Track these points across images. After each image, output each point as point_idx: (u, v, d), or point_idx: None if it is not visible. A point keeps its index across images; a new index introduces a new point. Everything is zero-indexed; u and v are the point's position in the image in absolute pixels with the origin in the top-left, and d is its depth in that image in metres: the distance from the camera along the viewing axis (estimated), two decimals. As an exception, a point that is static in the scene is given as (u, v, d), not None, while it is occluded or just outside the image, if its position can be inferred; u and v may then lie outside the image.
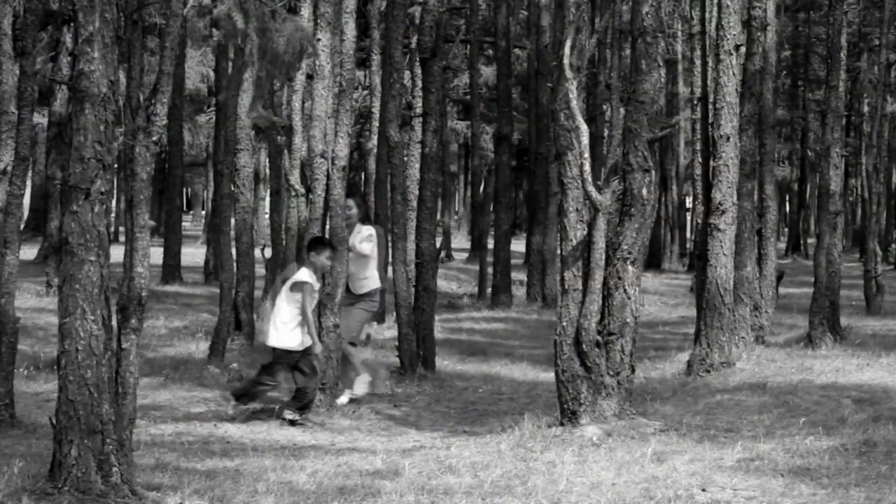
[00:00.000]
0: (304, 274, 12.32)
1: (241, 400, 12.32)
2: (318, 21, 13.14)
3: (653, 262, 42.29)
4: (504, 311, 26.15)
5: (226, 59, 25.54)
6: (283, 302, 12.29)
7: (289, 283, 12.37)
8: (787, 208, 73.14)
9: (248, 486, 8.65)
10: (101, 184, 7.88)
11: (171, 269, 31.07)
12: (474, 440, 10.90)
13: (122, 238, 40.46)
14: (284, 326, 12.17)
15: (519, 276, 30.67)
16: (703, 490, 8.70)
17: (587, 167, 10.96)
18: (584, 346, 10.96)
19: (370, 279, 14.18)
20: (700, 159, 16.38)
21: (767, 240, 19.06)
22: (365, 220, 14.18)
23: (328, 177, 13.28)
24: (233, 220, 19.19)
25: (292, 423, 12.00)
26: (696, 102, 17.13)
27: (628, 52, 11.86)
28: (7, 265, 11.26)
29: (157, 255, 29.49)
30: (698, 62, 17.21)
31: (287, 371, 12.24)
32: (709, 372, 14.59)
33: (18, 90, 11.51)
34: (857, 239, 55.99)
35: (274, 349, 12.30)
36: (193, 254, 39.85)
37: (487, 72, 47.79)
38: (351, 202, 13.79)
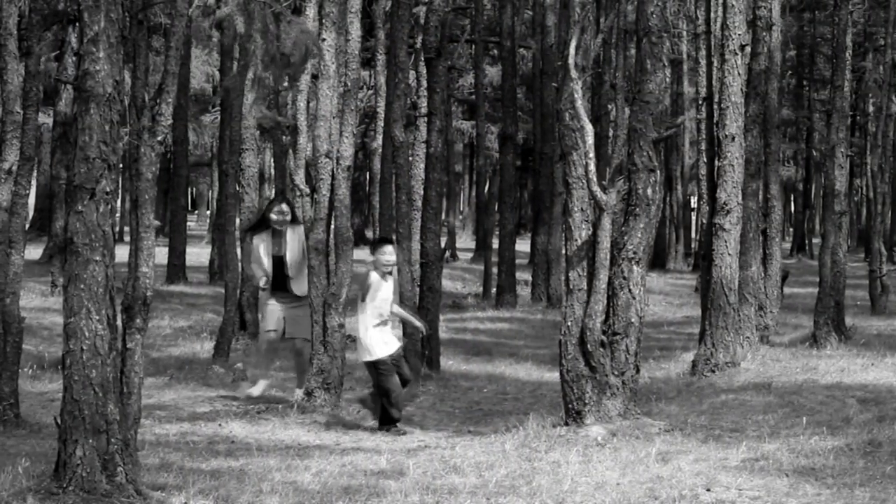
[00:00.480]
0: (369, 275, 12.08)
1: (385, 423, 11.92)
2: (323, 21, 13.15)
3: (658, 261, 42.26)
4: (509, 311, 26.15)
5: (231, 59, 25.55)
6: (359, 314, 12.08)
7: (360, 294, 12.13)
8: (792, 208, 73.12)
9: (253, 486, 8.66)
10: (106, 183, 7.89)
11: (176, 268, 31.08)
12: (479, 440, 10.90)
13: (126, 238, 40.48)
14: (368, 337, 11.92)
15: (524, 275, 30.66)
16: (708, 490, 8.70)
17: (592, 167, 10.96)
18: (588, 345, 10.95)
19: None
20: (705, 159, 16.39)
21: (772, 240, 19.05)
22: (293, 220, 13.95)
23: (333, 176, 13.28)
24: (238, 220, 19.21)
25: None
26: (701, 102, 17.16)
27: (633, 51, 11.85)
28: (12, 265, 11.27)
29: (161, 254, 29.52)
30: (703, 62, 17.24)
31: (393, 373, 11.89)
32: (713, 372, 14.59)
33: (23, 90, 11.53)
34: (862, 239, 55.98)
35: (368, 364, 12.06)
36: (198, 254, 39.87)
37: (492, 72, 47.81)
38: (287, 207, 13.82)
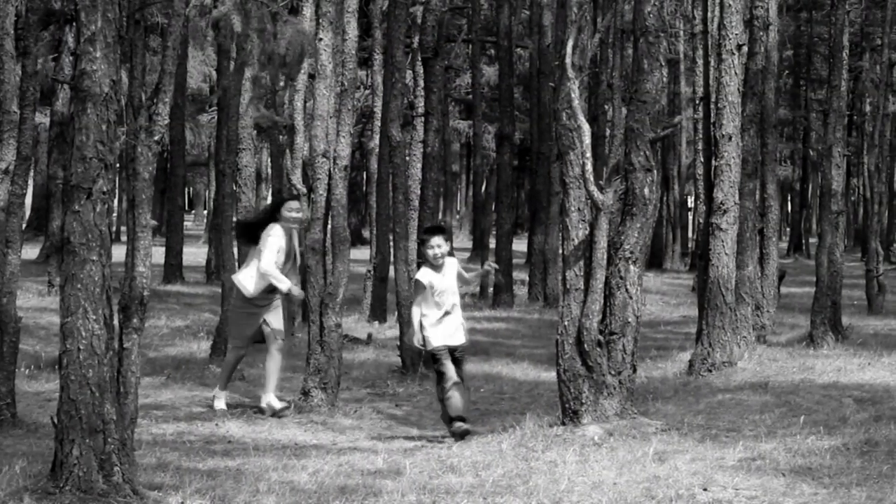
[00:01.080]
0: (418, 273, 11.77)
1: (456, 422, 11.36)
2: (320, 21, 13.14)
3: (655, 261, 42.31)
4: (506, 311, 26.15)
5: (228, 58, 25.55)
6: (418, 307, 11.76)
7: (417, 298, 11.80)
8: (789, 208, 73.13)
9: (250, 486, 8.65)
10: (103, 183, 7.88)
11: (173, 268, 31.12)
12: (476, 439, 10.89)
13: (123, 238, 40.47)
14: (421, 329, 11.61)
15: (521, 275, 30.67)
16: (705, 489, 8.69)
17: (589, 167, 10.96)
18: (585, 345, 10.95)
19: None
20: (702, 159, 16.39)
21: (769, 239, 19.06)
22: None
23: (330, 176, 13.27)
24: (235, 220, 19.21)
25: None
26: (698, 102, 17.15)
27: (630, 51, 11.85)
28: (9, 264, 11.27)
29: (158, 254, 29.55)
30: (700, 62, 17.22)
31: (449, 360, 11.52)
32: (710, 371, 14.59)
33: (20, 89, 11.52)
34: (858, 238, 56.00)
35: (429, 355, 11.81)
36: (195, 253, 39.92)
37: (489, 71, 47.82)
38: (300, 204, 13.24)
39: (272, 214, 13.22)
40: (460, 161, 70.20)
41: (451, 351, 11.63)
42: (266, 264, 12.88)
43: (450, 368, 11.50)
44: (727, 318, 14.83)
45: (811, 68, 54.67)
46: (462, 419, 11.34)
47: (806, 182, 61.29)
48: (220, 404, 13.03)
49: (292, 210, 13.13)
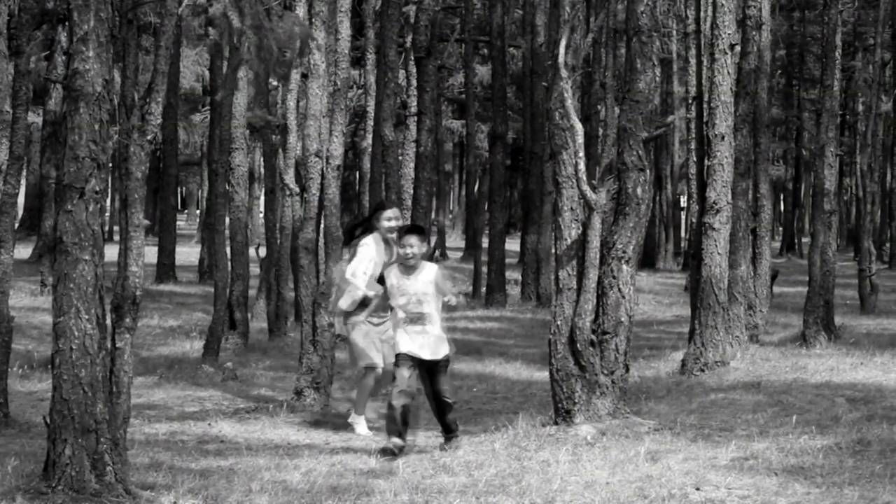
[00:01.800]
0: (388, 266, 11.08)
1: (451, 434, 10.82)
2: (313, 20, 13.14)
3: (647, 261, 42.34)
4: (498, 310, 26.14)
5: (221, 58, 25.53)
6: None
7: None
8: (782, 207, 73.22)
9: (242, 486, 8.65)
10: (96, 183, 7.87)
11: (166, 268, 31.11)
12: (469, 439, 10.88)
13: (116, 237, 40.45)
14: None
15: (513, 275, 30.68)
16: (698, 489, 8.70)
17: (582, 166, 10.96)
18: (578, 345, 10.95)
19: None
20: (695, 158, 16.40)
21: (762, 239, 19.07)
22: None
23: (323, 176, 13.26)
24: (227, 220, 19.21)
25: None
26: (690, 101, 17.17)
27: (623, 51, 11.85)
28: (1, 264, 11.26)
29: (151, 254, 29.51)
30: (693, 61, 17.25)
31: (409, 374, 10.67)
32: (703, 371, 14.60)
33: (13, 89, 11.52)
34: (851, 238, 56.12)
35: None
36: (188, 253, 39.90)
37: (482, 71, 47.85)
38: (398, 212, 12.33)
39: (369, 221, 12.33)
40: (453, 160, 70.20)
41: (425, 363, 10.78)
42: (349, 270, 12.06)
43: (403, 377, 10.62)
44: (720, 318, 14.84)
45: (804, 68, 54.74)
46: (399, 435, 10.41)
47: (798, 181, 61.37)
48: (362, 429, 11.97)
49: (390, 220, 12.13)
